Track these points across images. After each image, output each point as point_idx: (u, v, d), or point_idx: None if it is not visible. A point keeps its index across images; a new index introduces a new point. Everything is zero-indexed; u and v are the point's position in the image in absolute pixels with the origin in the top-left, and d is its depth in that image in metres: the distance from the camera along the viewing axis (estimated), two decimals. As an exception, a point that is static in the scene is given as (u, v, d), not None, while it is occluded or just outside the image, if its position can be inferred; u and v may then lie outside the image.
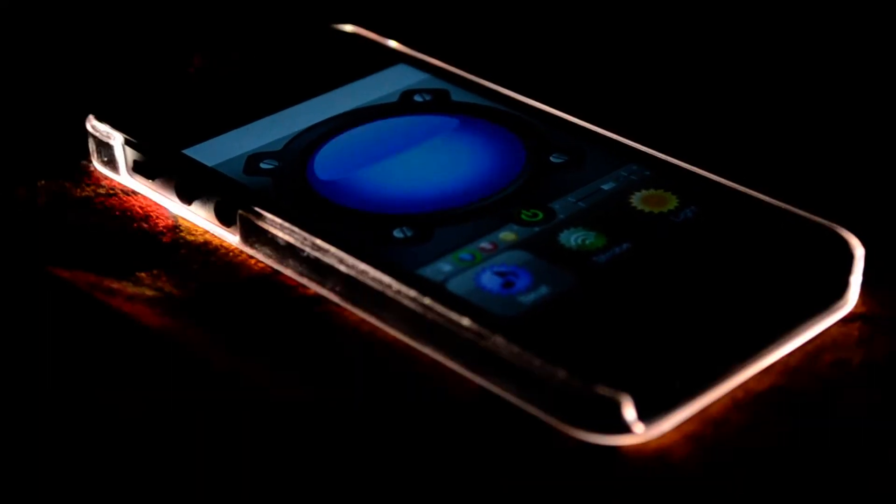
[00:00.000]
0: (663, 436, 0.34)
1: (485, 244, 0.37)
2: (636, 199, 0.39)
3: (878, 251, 0.38)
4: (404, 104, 0.44)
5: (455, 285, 0.36)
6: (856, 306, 0.37)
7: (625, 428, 0.33)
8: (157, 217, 0.41)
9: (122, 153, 0.42)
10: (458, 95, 0.44)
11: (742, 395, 0.35)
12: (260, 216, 0.39)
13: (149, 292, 0.38)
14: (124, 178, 0.42)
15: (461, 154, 0.41)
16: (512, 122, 0.42)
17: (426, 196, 0.39)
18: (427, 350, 0.36)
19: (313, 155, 0.41)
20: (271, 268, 0.39)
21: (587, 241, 0.37)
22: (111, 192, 0.42)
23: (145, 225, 0.41)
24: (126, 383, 0.36)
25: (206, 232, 0.40)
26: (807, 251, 0.37)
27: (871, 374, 0.36)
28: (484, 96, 0.44)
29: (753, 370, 0.35)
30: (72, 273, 0.39)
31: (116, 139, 0.42)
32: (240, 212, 0.39)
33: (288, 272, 0.39)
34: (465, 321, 0.35)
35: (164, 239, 0.40)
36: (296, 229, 0.38)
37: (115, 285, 0.39)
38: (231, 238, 0.40)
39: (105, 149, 0.42)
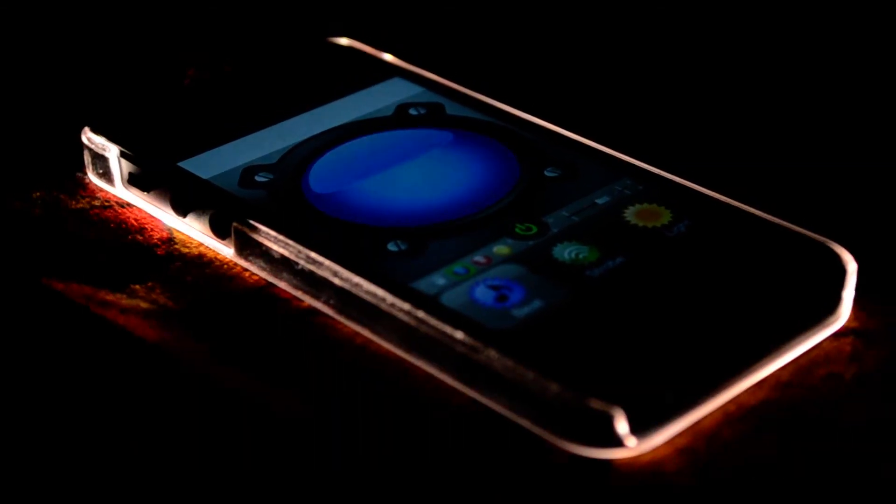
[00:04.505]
0: (656, 449, 0.34)
1: (479, 258, 0.38)
2: (630, 214, 0.39)
3: (870, 265, 0.38)
4: (399, 118, 0.44)
5: (449, 299, 0.36)
6: (848, 321, 0.37)
7: (617, 441, 0.33)
8: (152, 229, 0.41)
9: (118, 165, 0.42)
10: (452, 109, 0.44)
11: (734, 409, 0.35)
12: (254, 229, 0.39)
13: (143, 304, 0.38)
14: (119, 190, 0.42)
15: (455, 168, 0.41)
16: (506, 136, 0.42)
17: (420, 209, 0.40)
18: (420, 363, 0.36)
19: (308, 168, 0.41)
20: (265, 280, 0.39)
21: (581, 255, 0.38)
22: (106, 204, 0.42)
23: (140, 237, 0.41)
24: (120, 396, 0.36)
25: (201, 245, 0.41)
26: (799, 266, 0.37)
27: (863, 389, 0.36)
28: (478, 110, 0.44)
29: (747, 384, 0.35)
30: (66, 285, 0.39)
31: (112, 151, 0.42)
32: (234, 224, 0.39)
33: (282, 285, 0.39)
34: (459, 334, 0.35)
35: (159, 251, 0.40)
36: (290, 242, 0.38)
37: (110, 297, 0.39)
38: (226, 251, 0.40)
39: (100, 161, 0.42)
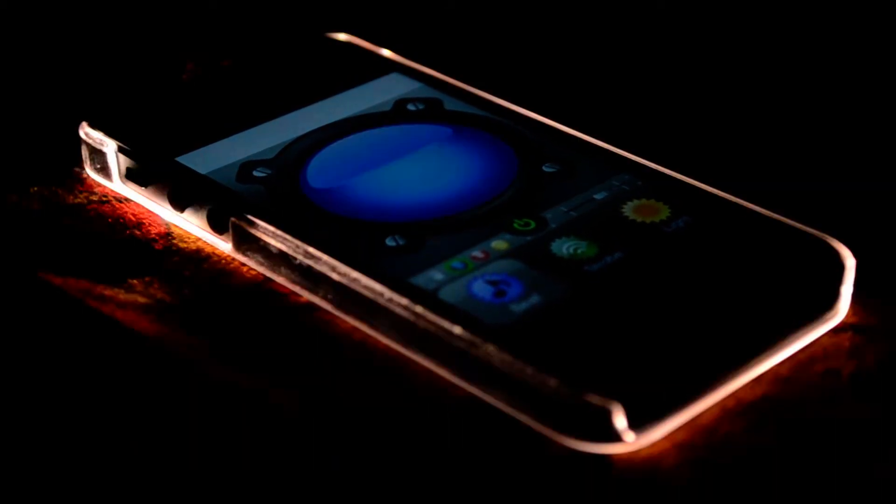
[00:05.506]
0: (654, 444, 0.34)
1: (477, 253, 0.38)
2: (628, 209, 0.39)
3: (868, 261, 0.38)
4: (398, 113, 0.44)
5: (447, 294, 0.36)
6: (846, 316, 0.37)
7: (615, 436, 0.33)
8: (150, 224, 0.41)
9: (115, 160, 0.42)
10: (451, 105, 0.44)
11: (733, 405, 0.35)
12: (252, 224, 0.39)
13: (141, 299, 0.38)
14: (117, 185, 0.42)
15: (454, 163, 0.41)
16: (504, 131, 0.42)
17: (418, 204, 0.40)
18: (419, 358, 0.36)
19: (306, 163, 0.41)
20: (263, 275, 0.39)
21: (579, 251, 0.38)
22: (104, 199, 0.42)
23: (137, 232, 0.41)
24: (118, 390, 0.36)
25: (199, 239, 0.41)
26: (798, 261, 0.37)
27: (861, 385, 0.36)
28: (477, 106, 0.44)
29: (745, 379, 0.35)
30: (63, 280, 0.39)
31: (109, 146, 0.42)
32: (232, 219, 0.39)
33: (280, 280, 0.39)
34: (457, 329, 0.35)
35: (157, 246, 0.40)
36: (288, 237, 0.38)
37: (107, 292, 0.39)
38: (223, 245, 0.40)
39: (98, 156, 0.42)
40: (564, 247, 0.38)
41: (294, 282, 0.38)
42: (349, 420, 0.35)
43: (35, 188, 0.43)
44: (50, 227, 0.41)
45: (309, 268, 0.38)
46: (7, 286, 0.39)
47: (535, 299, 0.36)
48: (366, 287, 0.37)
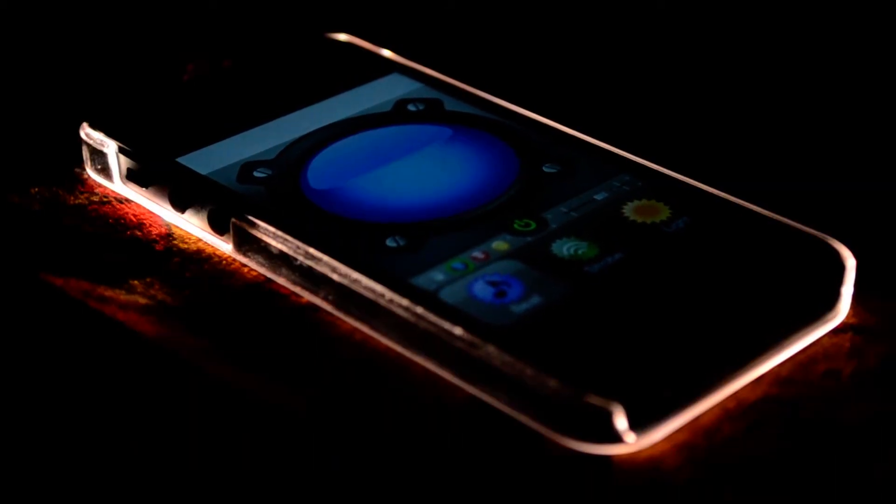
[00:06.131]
0: (655, 445, 0.34)
1: (477, 253, 0.38)
2: (628, 210, 0.39)
3: (868, 261, 0.38)
4: (398, 113, 0.44)
5: (447, 294, 0.36)
6: (847, 316, 0.37)
7: (616, 437, 0.33)
8: (151, 225, 0.41)
9: (116, 161, 0.42)
10: (451, 105, 0.44)
11: (734, 405, 0.35)
12: (253, 224, 0.39)
13: (142, 300, 0.38)
14: (118, 185, 0.42)
15: (454, 163, 0.41)
16: (505, 131, 0.42)
17: (419, 205, 0.40)
18: (419, 359, 0.36)
19: (307, 164, 0.41)
20: (264, 276, 0.39)
21: (579, 251, 0.38)
22: (104, 199, 0.42)
23: (138, 233, 0.41)
24: (119, 391, 0.36)
25: (200, 240, 0.41)
26: (798, 261, 0.37)
27: (862, 385, 0.36)
28: (477, 106, 0.44)
29: (745, 380, 0.35)
30: (64, 280, 0.39)
31: (110, 147, 0.42)
32: (233, 220, 0.39)
33: (281, 281, 0.39)
34: (458, 330, 0.35)
35: (157, 247, 0.40)
36: (289, 238, 0.38)
37: (108, 293, 0.39)
38: (224, 246, 0.40)
39: (99, 156, 0.42)
40: (565, 247, 0.38)
41: (295, 282, 0.38)
42: (349, 420, 0.35)
43: (36, 189, 0.43)
44: (51, 228, 0.41)
45: (310, 269, 0.38)
46: (8, 287, 0.39)
47: (535, 300, 0.36)
48: (366, 288, 0.37)
